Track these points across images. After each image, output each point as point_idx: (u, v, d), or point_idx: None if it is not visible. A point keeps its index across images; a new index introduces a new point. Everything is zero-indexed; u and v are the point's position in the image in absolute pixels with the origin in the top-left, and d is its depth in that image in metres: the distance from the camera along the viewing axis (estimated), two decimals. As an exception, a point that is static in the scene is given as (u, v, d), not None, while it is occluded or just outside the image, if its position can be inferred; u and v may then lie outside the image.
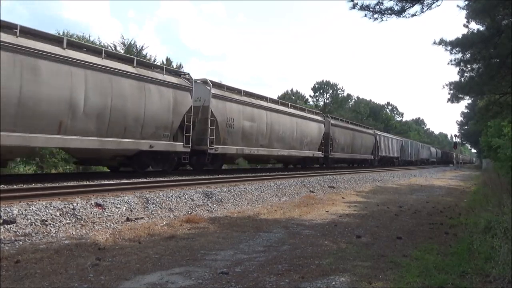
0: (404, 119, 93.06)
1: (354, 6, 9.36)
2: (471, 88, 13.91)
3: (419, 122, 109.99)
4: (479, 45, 11.69)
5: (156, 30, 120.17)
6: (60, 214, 6.81)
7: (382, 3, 9.37)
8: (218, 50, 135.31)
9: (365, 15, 9.54)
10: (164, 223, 7.60)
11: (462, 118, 55.22)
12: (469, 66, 13.93)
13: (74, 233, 6.40)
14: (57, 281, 4.26)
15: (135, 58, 12.34)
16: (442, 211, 11.37)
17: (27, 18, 77.14)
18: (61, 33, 27.57)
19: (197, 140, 14.09)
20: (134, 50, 31.84)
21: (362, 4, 9.36)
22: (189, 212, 8.84)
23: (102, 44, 29.89)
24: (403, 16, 9.48)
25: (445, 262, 5.40)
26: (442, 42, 12.55)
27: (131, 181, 10.87)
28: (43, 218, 6.53)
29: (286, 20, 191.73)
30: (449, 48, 12.55)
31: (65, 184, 9.28)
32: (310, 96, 70.65)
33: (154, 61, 31.45)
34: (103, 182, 10.09)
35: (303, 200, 12.23)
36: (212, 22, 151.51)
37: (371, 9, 9.43)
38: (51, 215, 6.69)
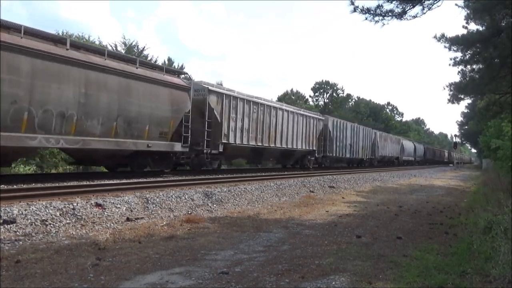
0: (404, 119, 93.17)
1: (355, 10, 9.39)
2: (471, 89, 13.94)
3: (419, 122, 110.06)
4: (479, 44, 11.71)
5: (156, 30, 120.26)
6: (60, 214, 6.81)
7: (382, 6, 9.39)
8: (218, 50, 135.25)
9: (366, 18, 9.57)
10: (164, 223, 7.60)
11: (462, 118, 55.15)
12: (469, 66, 13.96)
13: (74, 233, 6.40)
14: (57, 281, 4.26)
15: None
16: (442, 211, 11.37)
17: (26, 17, 77.25)
18: (61, 33, 27.56)
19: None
20: (135, 50, 31.83)
21: (363, 7, 9.38)
22: (189, 212, 8.84)
23: (102, 44, 29.89)
24: (404, 18, 9.50)
25: (445, 262, 5.40)
26: (442, 37, 12.57)
27: (131, 181, 10.87)
28: (43, 218, 6.53)
29: (286, 20, 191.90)
30: (448, 45, 12.58)
31: (65, 184, 9.27)
32: (310, 96, 70.75)
33: (155, 61, 31.38)
34: (103, 182, 10.09)
35: (303, 200, 12.24)
36: (212, 22, 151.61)
37: (371, 12, 9.45)
38: (51, 215, 6.69)
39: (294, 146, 21.01)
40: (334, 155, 25.88)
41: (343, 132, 27.39)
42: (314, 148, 23.34)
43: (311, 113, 24.48)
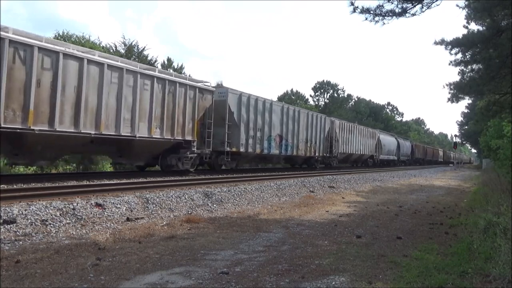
0: (404, 119, 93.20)
1: (354, 10, 9.42)
2: (471, 89, 13.96)
3: (419, 122, 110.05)
4: (479, 45, 11.73)
5: (155, 29, 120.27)
6: (60, 214, 6.81)
7: (383, 6, 9.44)
8: (217, 50, 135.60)
9: (366, 19, 9.61)
10: (164, 223, 7.60)
11: (462, 118, 55.29)
12: (469, 66, 13.99)
13: (74, 233, 6.40)
14: (57, 281, 4.26)
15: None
16: (442, 211, 11.37)
17: (25, 17, 77.23)
18: (60, 33, 27.55)
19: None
20: (135, 50, 31.76)
21: (363, 8, 9.41)
22: (189, 212, 8.84)
23: (102, 44, 29.86)
24: (403, 16, 9.54)
25: (445, 262, 5.40)
26: (442, 42, 12.60)
27: (131, 181, 10.88)
28: (43, 218, 6.53)
29: (286, 20, 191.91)
30: (449, 48, 12.61)
31: (65, 184, 9.28)
32: (311, 96, 70.71)
33: (155, 62, 31.26)
34: (103, 182, 10.10)
35: (303, 200, 12.24)
36: (211, 22, 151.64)
37: (371, 13, 9.49)
38: (51, 215, 6.69)
39: (138, 134, 11.50)
40: (243, 150, 16.35)
41: (264, 115, 17.69)
42: (191, 138, 13.59)
43: (184, 79, 13.77)
